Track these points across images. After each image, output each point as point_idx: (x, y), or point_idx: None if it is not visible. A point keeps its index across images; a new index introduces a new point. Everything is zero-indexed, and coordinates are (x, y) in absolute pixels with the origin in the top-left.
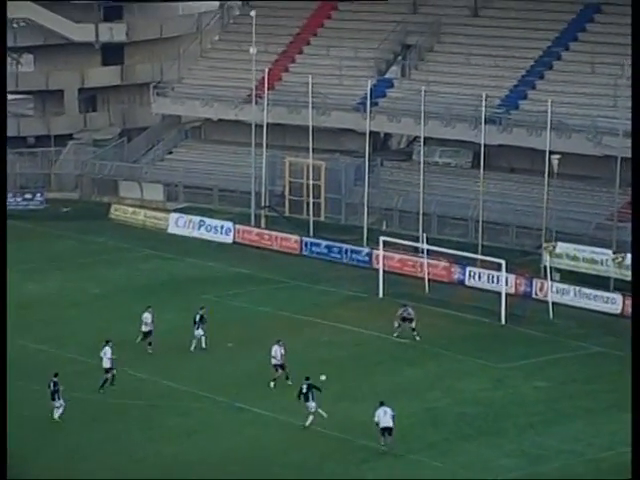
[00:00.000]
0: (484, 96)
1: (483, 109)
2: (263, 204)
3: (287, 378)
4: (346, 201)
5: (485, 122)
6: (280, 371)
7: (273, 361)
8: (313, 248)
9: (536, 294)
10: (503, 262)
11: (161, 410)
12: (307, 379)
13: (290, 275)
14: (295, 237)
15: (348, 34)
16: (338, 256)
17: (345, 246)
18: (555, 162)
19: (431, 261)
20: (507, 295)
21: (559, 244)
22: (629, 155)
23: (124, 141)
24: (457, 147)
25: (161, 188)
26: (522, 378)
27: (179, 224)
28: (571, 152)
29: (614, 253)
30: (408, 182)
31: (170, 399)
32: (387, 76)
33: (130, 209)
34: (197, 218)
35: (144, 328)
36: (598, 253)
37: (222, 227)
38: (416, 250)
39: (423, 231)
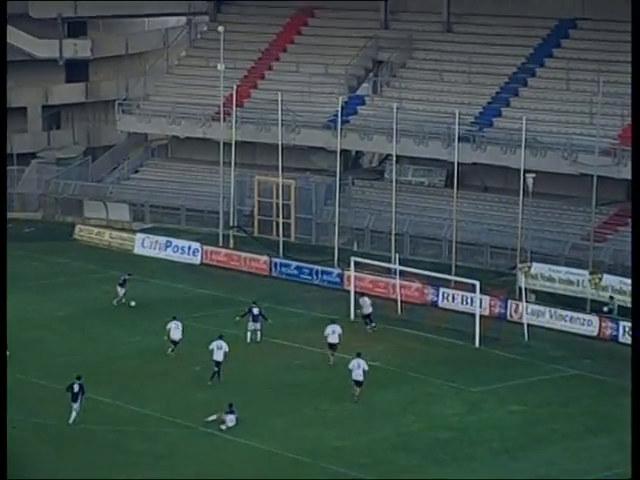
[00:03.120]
0: (457, 113)
1: (456, 127)
2: (231, 224)
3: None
4: (317, 221)
5: (458, 140)
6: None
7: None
8: (283, 269)
9: (511, 316)
10: (477, 283)
11: (128, 435)
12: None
13: (259, 297)
14: (264, 258)
15: (318, 50)
16: (308, 277)
17: (316, 267)
18: (530, 181)
19: (404, 282)
20: (481, 317)
21: (534, 265)
22: (605, 174)
23: (89, 160)
24: (430, 166)
25: (127, 208)
26: (497, 402)
27: (145, 245)
28: (546, 171)
29: (590, 274)
30: (380, 201)
31: (137, 424)
32: (358, 93)
33: (95, 229)
34: (164, 239)
35: (174, 336)
36: (574, 274)
37: (189, 248)
38: (388, 271)
39: (395, 251)
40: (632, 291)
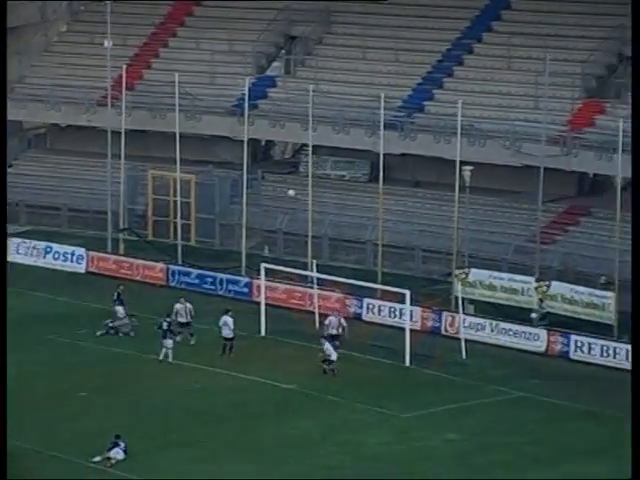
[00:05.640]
0: (382, 97)
1: (381, 112)
2: (122, 226)
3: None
4: (221, 222)
5: (384, 128)
6: None
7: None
8: (182, 278)
9: (446, 330)
10: (407, 293)
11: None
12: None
13: (154, 310)
14: (160, 265)
15: (221, 24)
16: (212, 287)
17: (220, 275)
18: (467, 174)
19: (322, 292)
20: (412, 331)
21: (472, 271)
22: (553, 165)
23: None
24: (352, 157)
25: None
26: (430, 429)
27: (20, 251)
28: (485, 162)
29: (537, 281)
30: (294, 199)
31: (11, 460)
32: (268, 73)
33: None
34: (42, 244)
35: (226, 333)
36: (518, 281)
37: (73, 254)
38: (305, 279)
39: (312, 257)
40: (632, 299)
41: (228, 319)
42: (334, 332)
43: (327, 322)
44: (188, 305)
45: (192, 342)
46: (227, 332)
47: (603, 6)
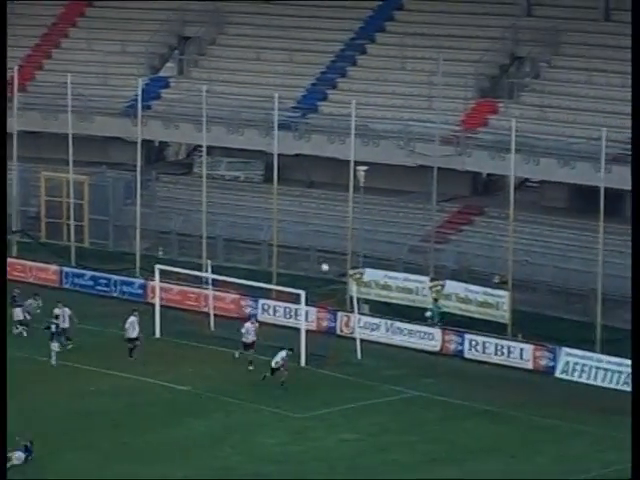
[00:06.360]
0: (276, 97)
1: (275, 113)
2: (14, 228)
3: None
4: (114, 223)
5: (278, 128)
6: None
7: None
8: (75, 280)
9: (341, 330)
10: (302, 293)
11: None
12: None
13: (47, 312)
14: (53, 267)
15: (114, 24)
16: (106, 289)
17: (114, 277)
18: (361, 174)
19: (217, 293)
20: (307, 332)
21: (367, 271)
22: (446, 165)
23: None
24: (246, 158)
25: None
26: (325, 429)
27: None
28: (379, 162)
29: (431, 280)
30: (189, 200)
31: None
32: (161, 74)
33: None
34: None
35: (131, 334)
36: (413, 281)
37: None
38: (199, 280)
39: (207, 258)
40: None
41: (130, 319)
42: (250, 340)
43: (243, 330)
44: (66, 310)
45: (68, 347)
46: (132, 333)
47: (495, 6)
